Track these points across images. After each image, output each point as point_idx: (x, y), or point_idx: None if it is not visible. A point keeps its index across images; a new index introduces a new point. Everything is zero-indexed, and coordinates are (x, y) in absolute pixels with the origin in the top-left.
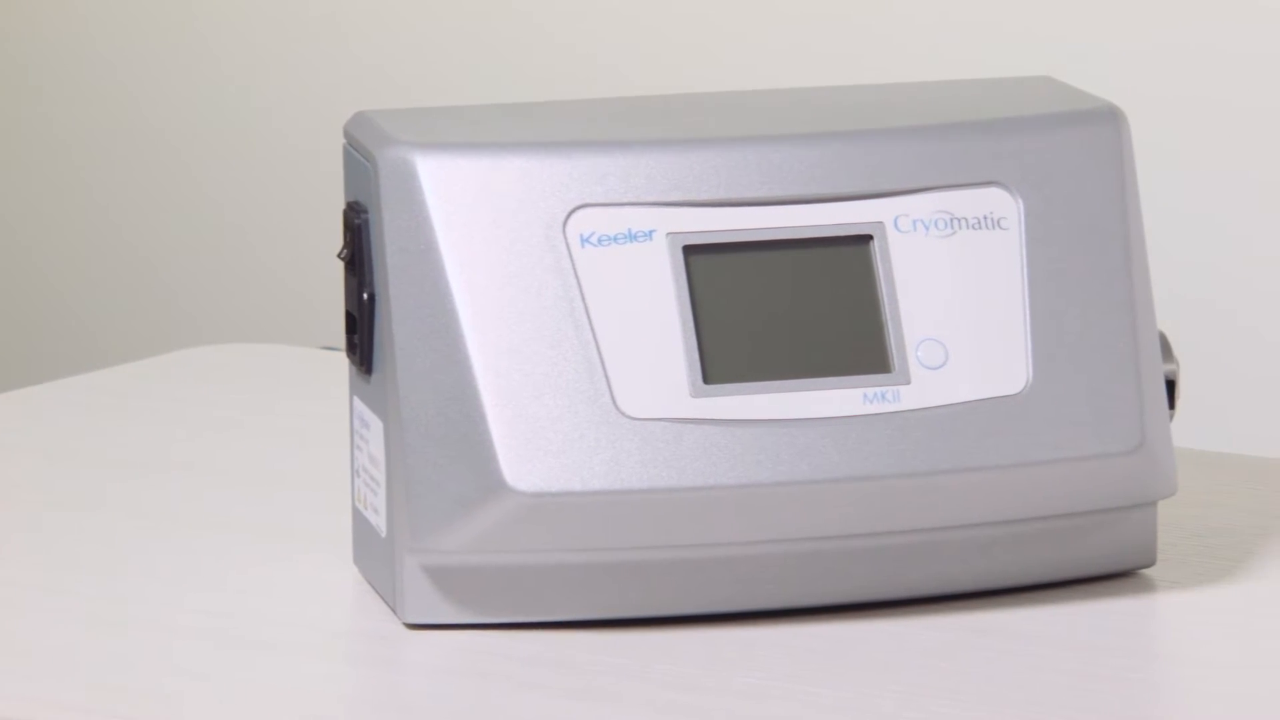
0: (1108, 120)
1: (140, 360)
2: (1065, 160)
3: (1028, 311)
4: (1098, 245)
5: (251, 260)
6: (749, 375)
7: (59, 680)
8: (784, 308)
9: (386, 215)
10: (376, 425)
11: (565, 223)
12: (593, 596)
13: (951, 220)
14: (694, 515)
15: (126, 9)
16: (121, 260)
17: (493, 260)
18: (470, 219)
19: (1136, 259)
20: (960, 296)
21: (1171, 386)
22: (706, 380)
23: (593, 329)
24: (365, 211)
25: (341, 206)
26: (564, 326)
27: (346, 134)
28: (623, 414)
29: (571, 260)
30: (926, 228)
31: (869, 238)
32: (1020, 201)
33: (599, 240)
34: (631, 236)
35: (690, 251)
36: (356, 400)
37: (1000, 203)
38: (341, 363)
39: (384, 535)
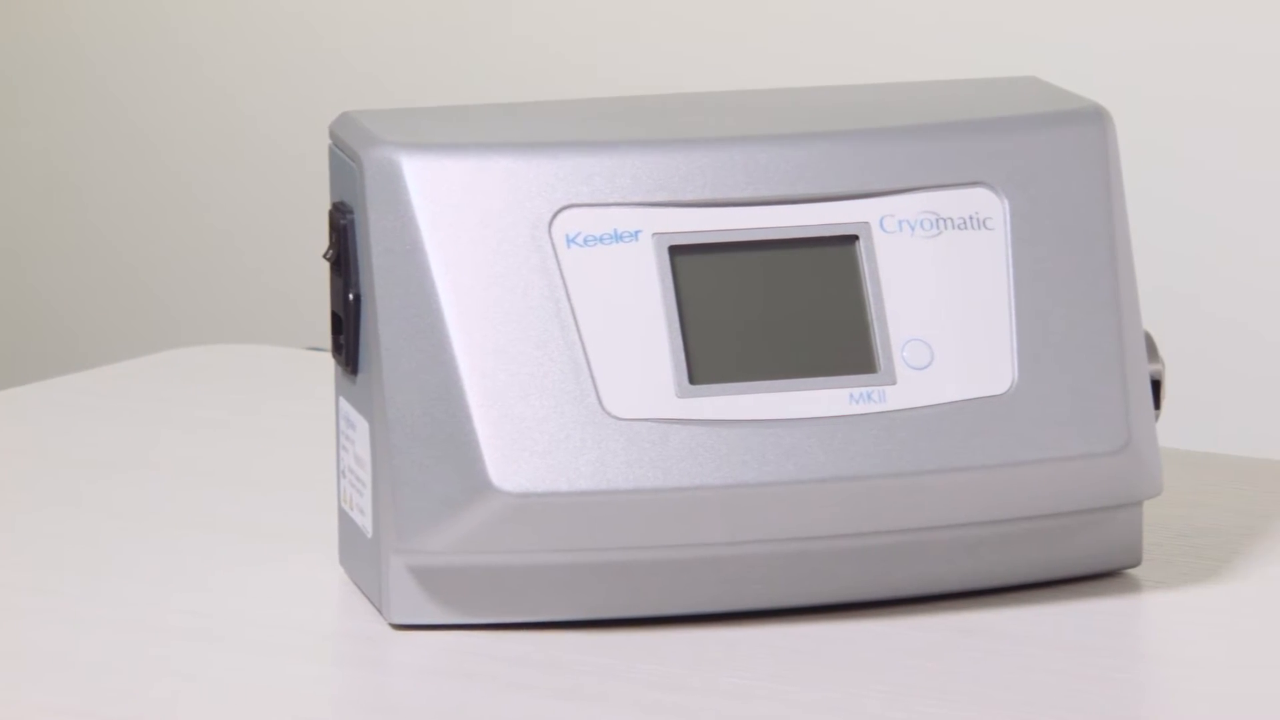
0: (1093, 120)
1: (126, 361)
2: (1051, 160)
3: (1013, 312)
4: (1083, 245)
5: (237, 261)
6: (735, 375)
7: (43, 681)
8: (770, 308)
9: (372, 216)
10: (362, 426)
11: (551, 223)
12: (579, 597)
13: (937, 220)
14: (680, 515)
15: (112, 11)
16: (107, 261)
17: (478, 260)
18: (456, 219)
19: (1122, 259)
20: (946, 297)
21: (1157, 386)
22: (692, 380)
23: (578, 329)
24: (351, 212)
25: (327, 207)
26: (550, 327)
27: (332, 134)
28: (608, 414)
29: (557, 260)
30: (912, 228)
31: (855, 238)
32: (1006, 201)
33: (585, 240)
34: (617, 237)
35: (676, 252)
36: (342, 401)
37: (986, 203)
38: (327, 363)
39: (370, 536)
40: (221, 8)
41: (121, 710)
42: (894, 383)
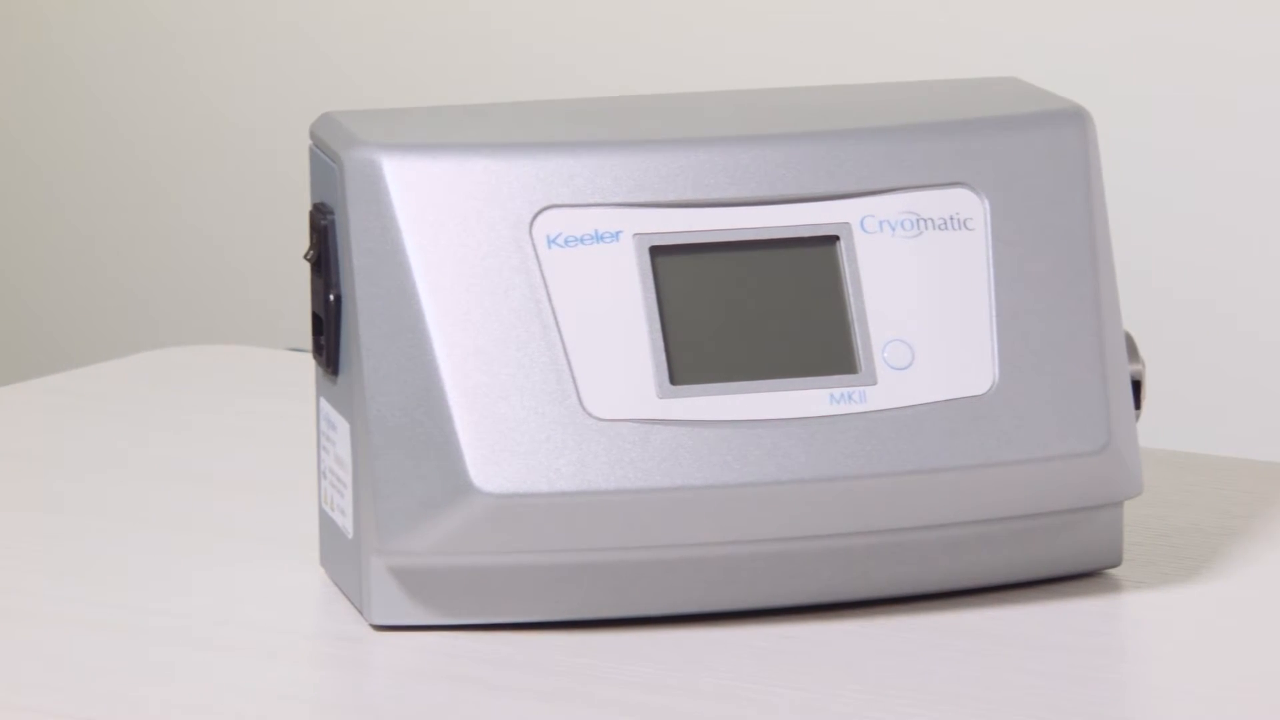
0: (1073, 121)
1: (107, 362)
2: (1031, 161)
3: (994, 312)
4: (1064, 245)
5: (218, 261)
6: (716, 376)
7: (22, 683)
8: (750, 308)
9: (353, 216)
10: (343, 427)
11: (532, 224)
12: (560, 598)
13: (918, 221)
14: (661, 516)
15: (93, 12)
16: (88, 262)
17: (459, 261)
18: (437, 220)
19: (1102, 259)
20: (926, 297)
21: (1137, 386)
22: (673, 381)
23: (559, 330)
24: (331, 213)
25: (308, 208)
26: (531, 327)
27: (313, 135)
28: (590, 415)
29: (538, 261)
30: (893, 228)
31: (835, 238)
32: (986, 202)
33: (565, 241)
34: (598, 237)
35: (657, 252)
36: (323, 402)
37: (966, 203)
38: (308, 364)
39: (351, 537)
40: (203, 8)
41: (104, 712)
42: (875, 383)
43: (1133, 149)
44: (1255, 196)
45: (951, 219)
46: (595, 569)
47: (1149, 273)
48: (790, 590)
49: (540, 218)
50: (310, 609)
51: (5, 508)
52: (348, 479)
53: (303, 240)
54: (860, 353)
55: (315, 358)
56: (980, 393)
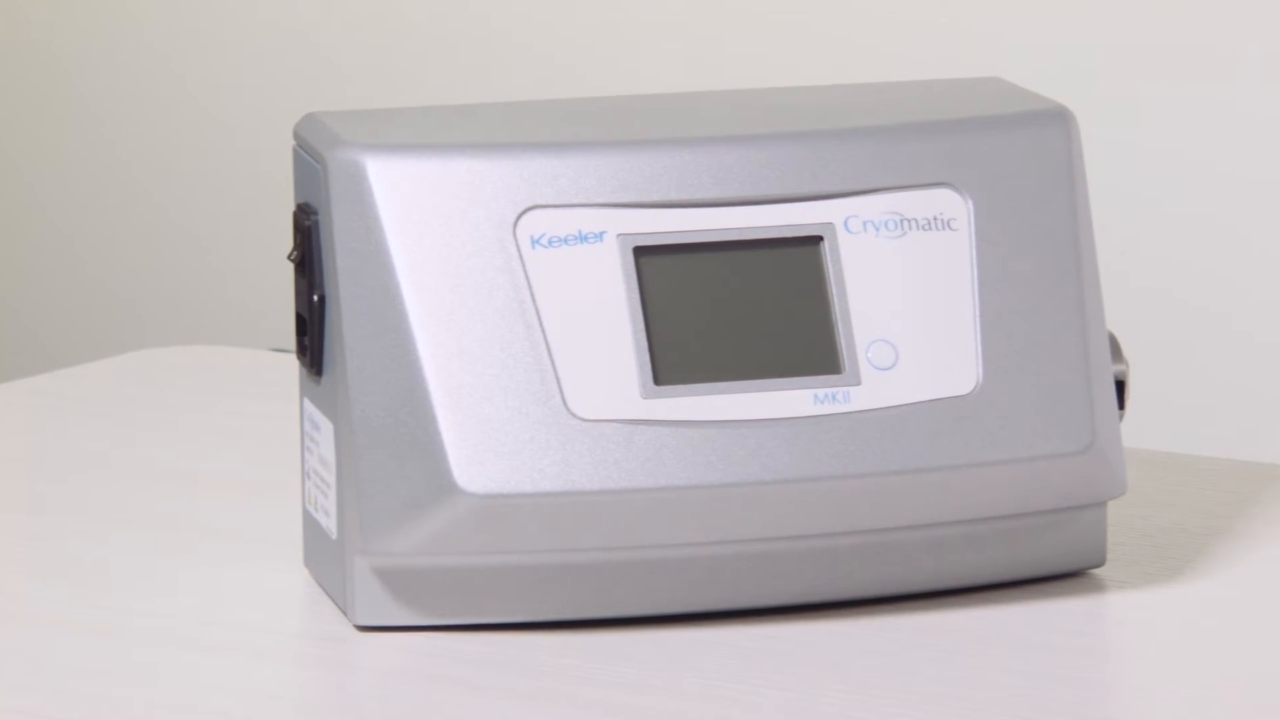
0: (1057, 121)
1: (91, 362)
2: (1015, 161)
3: (978, 312)
4: (1047, 246)
5: (202, 262)
6: (700, 376)
7: (5, 684)
8: (735, 309)
9: (336, 217)
10: (327, 427)
11: (516, 224)
12: (544, 598)
13: (901, 221)
14: (645, 516)
15: (76, 12)
16: (72, 262)
17: (443, 261)
18: (420, 220)
19: (1086, 259)
20: (910, 297)
21: (1121, 387)
22: (657, 381)
23: (543, 330)
24: (315, 213)
25: (291, 208)
26: (515, 328)
27: (296, 136)
28: (574, 415)
29: (522, 261)
30: (877, 229)
31: (819, 239)
32: (970, 202)
33: (549, 242)
34: (582, 238)
35: (641, 253)
36: (307, 402)
37: (950, 203)
38: (292, 364)
39: (334, 537)
40: (187, 8)
41: (87, 713)
42: (859, 383)
43: (1116, 149)
44: (1239, 197)
45: (935, 219)
46: (579, 569)
47: (1133, 273)
48: (774, 590)
49: (524, 218)
50: (294, 609)
51: None
52: (332, 479)
53: (287, 241)
54: (844, 353)
55: (299, 358)
56: (964, 393)
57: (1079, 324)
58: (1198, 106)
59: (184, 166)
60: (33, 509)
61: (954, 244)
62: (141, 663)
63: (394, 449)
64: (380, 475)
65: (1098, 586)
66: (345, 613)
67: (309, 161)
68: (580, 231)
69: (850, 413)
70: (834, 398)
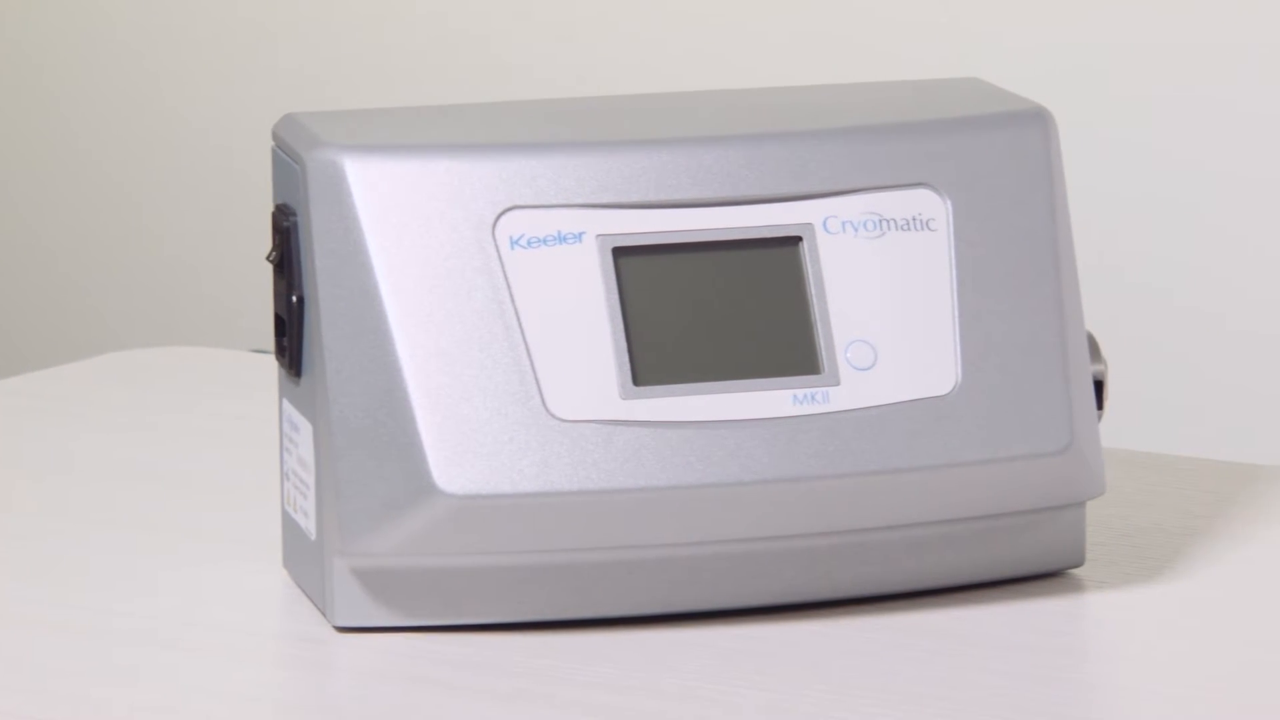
0: (1035, 121)
1: (70, 363)
2: (993, 161)
3: (956, 312)
4: (1026, 246)
5: (181, 263)
6: (679, 377)
7: None
8: (713, 309)
9: (315, 218)
10: (306, 428)
11: (495, 225)
12: (523, 599)
13: (880, 221)
14: (624, 517)
15: (50, 11)
16: (50, 264)
17: (422, 262)
18: (399, 221)
19: (1064, 259)
20: (889, 298)
21: (1099, 387)
22: (636, 382)
23: (522, 331)
24: (294, 214)
25: (270, 209)
26: (494, 329)
27: (275, 136)
28: (553, 416)
29: (501, 262)
30: (855, 229)
31: (798, 239)
32: (948, 203)
33: (528, 242)
34: (561, 238)
35: (620, 253)
36: (286, 403)
37: (929, 204)
38: (271, 365)
39: (313, 538)
40: (163, 9)
41: (67, 713)
42: (837, 384)
43: (1094, 149)
44: (1218, 198)
45: (914, 220)
46: (558, 570)
47: (1112, 272)
48: (754, 591)
49: (503, 219)
50: (273, 610)
51: None
52: (310, 480)
53: (265, 242)
54: (823, 353)
55: (278, 359)
56: (943, 393)
57: (1057, 324)
58: (1177, 106)
59: (163, 168)
60: (11, 509)
61: (933, 244)
62: (120, 663)
63: (373, 450)
64: (359, 476)
65: (1076, 586)
66: (324, 614)
67: (288, 162)
68: (559, 232)
69: (829, 413)
70: (813, 398)
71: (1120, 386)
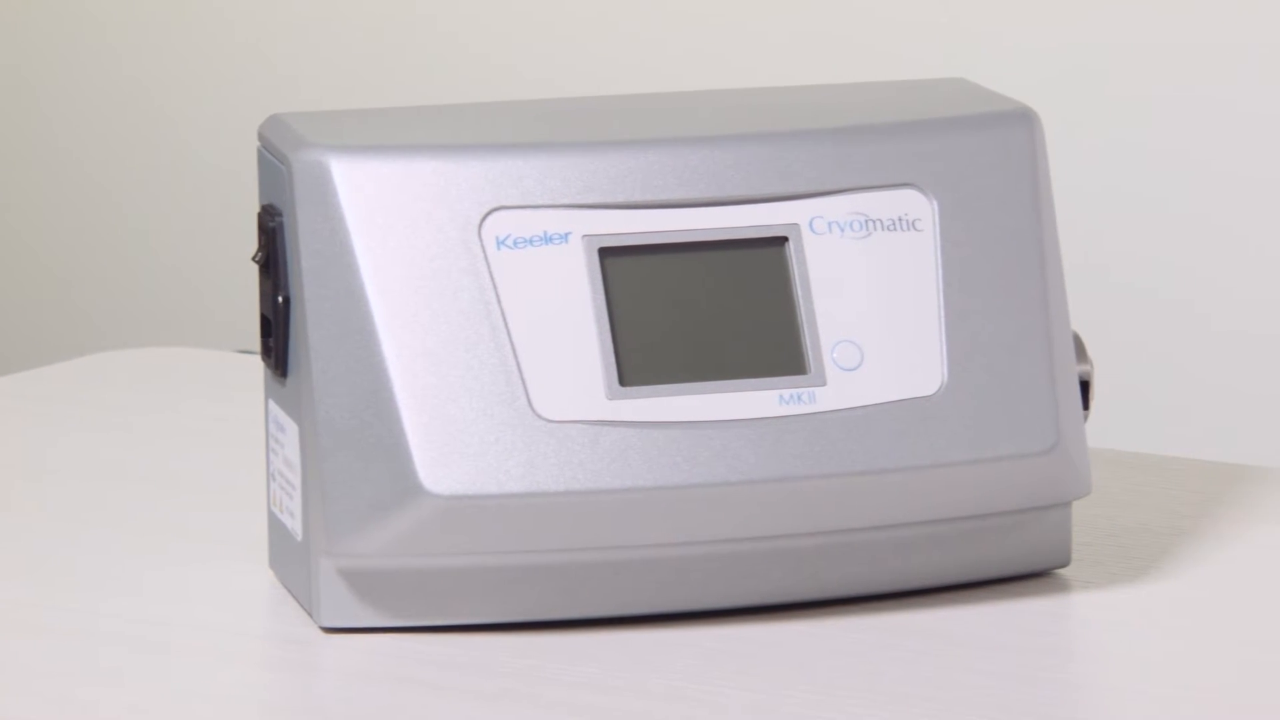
0: (1020, 121)
1: (55, 364)
2: (979, 161)
3: (943, 312)
4: (1012, 246)
5: (166, 264)
6: (665, 377)
7: None
8: (700, 310)
9: (301, 218)
10: (292, 429)
11: (481, 225)
12: (509, 599)
13: (866, 222)
14: (610, 517)
15: (33, 11)
16: (34, 265)
17: (408, 263)
18: (385, 222)
19: (1050, 259)
20: (876, 298)
21: (1085, 387)
22: (623, 382)
23: (509, 332)
24: (280, 214)
25: (256, 210)
26: (480, 329)
27: (261, 137)
28: (539, 416)
29: (487, 263)
30: (842, 229)
31: (784, 239)
32: (935, 203)
33: (514, 243)
34: (547, 239)
35: (606, 254)
36: (272, 404)
37: (915, 204)
38: (257, 366)
39: (299, 539)
40: (148, 9)
41: (54, 714)
42: (824, 384)
43: (1079, 149)
44: (1204, 198)
45: (900, 220)
46: (544, 570)
47: (1097, 272)
48: (740, 591)
49: (489, 219)
50: (259, 611)
51: None
52: (296, 481)
53: (251, 242)
54: (809, 354)
55: (264, 360)
56: (929, 393)
57: (1043, 324)
58: (1160, 106)
59: (148, 168)
60: (1, 509)
61: (919, 244)
62: (107, 664)
63: (359, 450)
64: (345, 477)
65: (1063, 586)
66: (310, 614)
67: (273, 163)
68: (545, 232)
69: (815, 413)
70: (799, 398)
71: (1106, 386)
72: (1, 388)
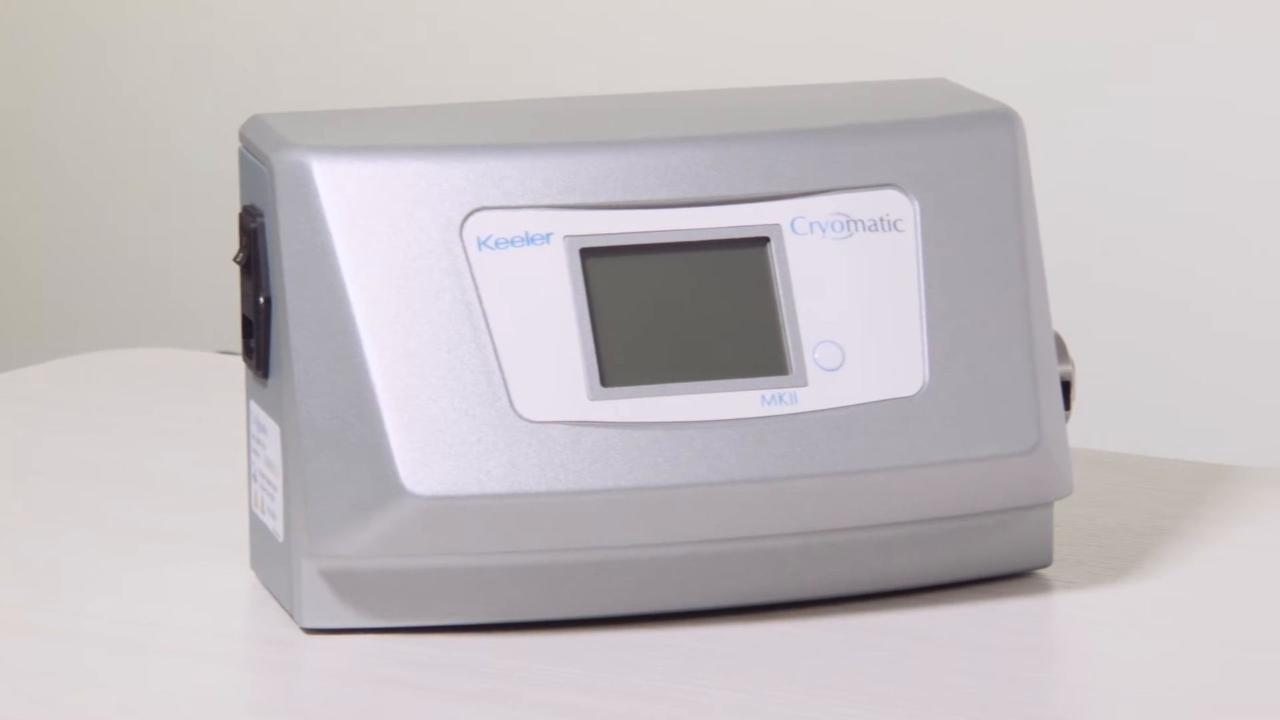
0: (1002, 122)
1: (36, 365)
2: (960, 162)
3: (924, 313)
4: (993, 246)
5: (147, 264)
6: (646, 378)
7: None
8: (681, 310)
9: (282, 219)
10: (273, 429)
11: (462, 226)
12: (491, 600)
13: (848, 222)
14: (592, 518)
15: (13, 9)
16: (14, 265)
17: (390, 264)
18: (367, 222)
19: (1032, 260)
20: (857, 298)
21: (1067, 387)
22: (604, 383)
23: (490, 332)
24: (261, 215)
25: (237, 210)
26: (461, 330)
27: (242, 137)
28: (520, 417)
29: (469, 263)
30: (823, 229)
31: (766, 240)
32: (916, 203)
33: (496, 243)
34: (528, 239)
35: (587, 254)
36: (253, 404)
37: (896, 204)
38: (238, 367)
39: (281, 540)
40: (129, 10)
41: (38, 714)
42: (805, 384)
43: (1060, 148)
44: (1186, 197)
45: (882, 220)
46: (526, 571)
47: (1078, 272)
48: (722, 591)
49: (470, 220)
50: (241, 612)
51: None
52: (278, 482)
53: (232, 243)
54: (791, 354)
55: (245, 360)
56: (910, 394)
57: (1025, 324)
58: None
59: (129, 169)
60: None
61: (900, 245)
62: (89, 666)
63: (340, 451)
64: (327, 478)
65: (1044, 586)
66: (292, 615)
67: (254, 163)
68: (527, 233)
69: (797, 414)
70: (781, 399)
71: (1087, 386)
72: None
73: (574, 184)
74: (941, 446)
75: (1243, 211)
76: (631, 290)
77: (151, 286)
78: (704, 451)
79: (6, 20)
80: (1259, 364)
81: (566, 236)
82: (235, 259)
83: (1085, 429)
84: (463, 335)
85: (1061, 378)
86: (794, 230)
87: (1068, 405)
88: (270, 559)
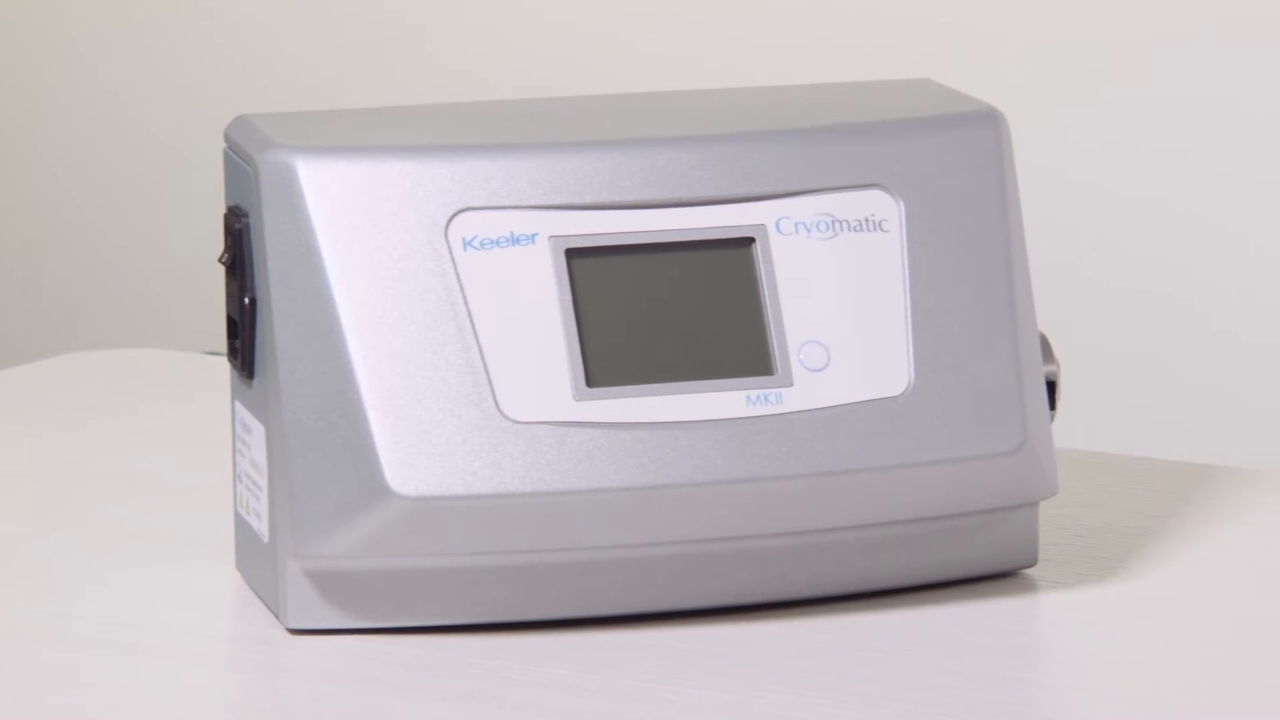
0: (987, 122)
1: (21, 365)
2: (945, 162)
3: (909, 313)
4: (978, 247)
5: (132, 265)
6: (632, 378)
7: None
8: (667, 310)
9: (268, 219)
10: (259, 430)
11: (447, 226)
12: (477, 600)
13: (833, 222)
14: (578, 518)
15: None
16: (1, 266)
17: (375, 264)
18: (352, 223)
19: (1017, 260)
20: (842, 298)
21: (1052, 387)
22: (590, 383)
23: (475, 333)
24: (246, 216)
25: (223, 211)
26: (447, 330)
27: (227, 138)
28: (506, 417)
29: (454, 264)
30: (808, 230)
31: (751, 240)
32: (901, 203)
33: (481, 244)
34: (514, 240)
35: (573, 255)
36: (239, 405)
37: (881, 205)
38: (224, 368)
39: (266, 540)
40: (115, 10)
41: (17, 715)
42: (791, 384)
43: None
44: (1172, 196)
45: (867, 220)
46: (512, 571)
47: (1063, 272)
48: (708, 591)
49: (456, 220)
50: (226, 613)
51: None
52: (263, 483)
53: (218, 243)
54: (776, 354)
55: (230, 361)
56: (896, 394)
57: (1010, 325)
58: (1131, 105)
59: (115, 169)
60: None
61: (885, 245)
62: (75, 667)
63: (326, 452)
64: (312, 478)
65: (1030, 586)
66: (277, 616)
67: (240, 164)
68: (512, 233)
69: (783, 414)
70: (766, 399)
71: (1072, 386)
72: None
73: (559, 184)
74: (927, 446)
75: (1229, 212)
76: (617, 291)
77: (137, 288)
78: (689, 452)
79: None
80: (1244, 364)
81: (552, 237)
82: (220, 259)
83: (1070, 429)
84: (448, 336)
85: (1046, 378)
86: (779, 230)
87: (1053, 405)
88: (255, 559)
